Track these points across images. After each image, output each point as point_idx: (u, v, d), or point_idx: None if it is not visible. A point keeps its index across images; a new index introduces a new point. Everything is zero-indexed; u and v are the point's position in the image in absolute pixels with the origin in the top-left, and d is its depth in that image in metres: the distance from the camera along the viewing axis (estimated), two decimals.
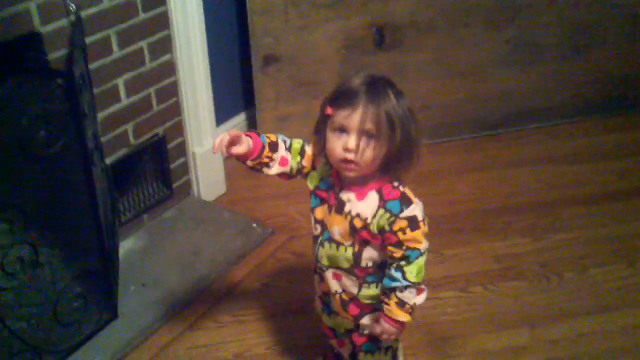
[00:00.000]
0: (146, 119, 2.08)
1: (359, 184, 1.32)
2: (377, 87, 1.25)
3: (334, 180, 1.36)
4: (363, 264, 1.38)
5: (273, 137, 1.42)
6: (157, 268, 2.01)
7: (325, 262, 1.43)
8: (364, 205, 1.31)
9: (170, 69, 2.11)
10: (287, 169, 1.42)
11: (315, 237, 1.43)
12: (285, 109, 2.57)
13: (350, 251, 1.37)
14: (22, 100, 1.49)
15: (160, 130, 2.15)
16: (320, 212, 1.40)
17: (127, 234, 2.12)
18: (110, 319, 1.81)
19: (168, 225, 2.19)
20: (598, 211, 2.32)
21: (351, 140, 1.24)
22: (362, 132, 1.24)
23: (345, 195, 1.34)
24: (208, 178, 2.36)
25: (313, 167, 1.42)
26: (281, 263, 2.11)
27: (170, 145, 2.21)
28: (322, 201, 1.39)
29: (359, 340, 1.51)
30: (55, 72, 1.61)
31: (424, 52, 2.60)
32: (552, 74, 2.75)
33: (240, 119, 2.72)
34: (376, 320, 1.42)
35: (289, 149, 1.42)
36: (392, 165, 1.28)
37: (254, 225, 2.19)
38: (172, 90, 2.15)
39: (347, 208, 1.33)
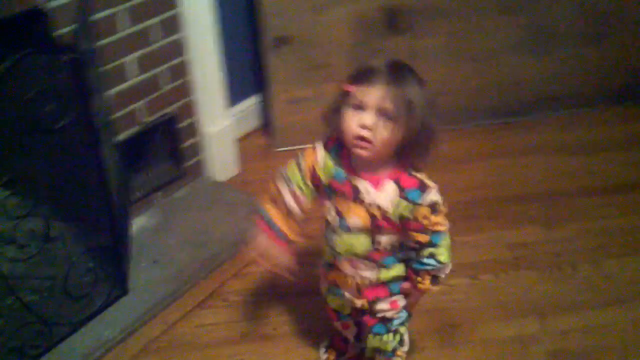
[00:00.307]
0: (157, 98, 2.07)
1: (373, 171, 1.31)
2: (400, 69, 1.25)
3: (346, 170, 1.35)
4: (381, 248, 1.38)
5: (274, 207, 1.46)
6: (168, 246, 2.00)
7: (341, 249, 1.42)
8: (383, 196, 1.31)
9: (181, 47, 2.10)
10: (304, 198, 1.42)
11: (331, 227, 1.42)
12: (297, 92, 2.56)
13: (368, 238, 1.37)
14: (28, 74, 1.48)
15: (171, 109, 2.14)
16: (336, 202, 1.38)
17: (140, 212, 2.12)
18: (120, 294, 1.82)
19: (180, 205, 2.19)
20: (613, 202, 2.29)
21: (368, 117, 1.23)
22: (381, 111, 1.23)
23: (361, 185, 1.32)
24: (220, 158, 2.36)
25: (315, 176, 1.40)
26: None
27: (182, 125, 2.20)
28: (338, 192, 1.37)
29: (370, 321, 1.52)
30: (61, 47, 1.60)
31: (437, 37, 2.57)
32: (568, 62, 2.72)
33: (253, 101, 2.71)
34: (405, 295, 1.46)
35: (288, 183, 1.43)
36: (408, 152, 1.27)
37: None
38: (184, 70, 2.13)
39: (365, 198, 1.32)
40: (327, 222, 1.43)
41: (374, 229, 1.35)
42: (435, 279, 1.41)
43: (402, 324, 1.54)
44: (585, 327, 1.83)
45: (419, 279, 1.40)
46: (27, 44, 1.49)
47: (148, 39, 1.98)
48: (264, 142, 2.66)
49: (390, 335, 1.54)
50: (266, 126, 2.70)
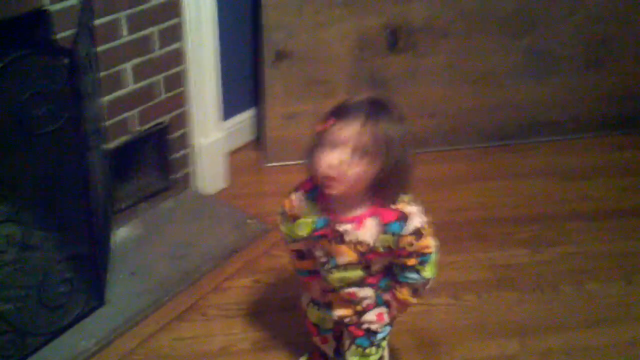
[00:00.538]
0: (152, 107, 2.08)
1: (352, 210, 1.33)
2: (379, 105, 1.25)
3: (325, 213, 1.36)
4: (373, 272, 1.41)
5: (299, 261, 1.53)
6: (148, 258, 2.00)
7: (336, 283, 1.44)
8: (366, 233, 1.33)
9: (179, 57, 2.11)
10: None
11: (322, 265, 1.44)
12: (294, 107, 2.56)
13: (359, 269, 1.40)
14: (25, 76, 1.49)
15: (165, 119, 2.14)
16: (323, 245, 1.41)
17: (123, 222, 2.12)
18: (97, 305, 1.81)
19: (164, 216, 2.19)
20: (602, 227, 2.28)
21: (336, 155, 1.23)
22: (356, 147, 1.22)
23: (342, 227, 1.34)
24: (209, 171, 2.36)
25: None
26: (274, 260, 2.09)
27: (174, 136, 2.20)
28: (322, 237, 1.39)
29: (356, 332, 1.52)
30: (60, 50, 1.61)
31: (437, 56, 2.57)
32: (567, 87, 2.71)
33: (249, 114, 2.71)
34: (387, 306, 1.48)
35: (288, 240, 1.49)
36: (384, 187, 1.28)
37: (249, 221, 2.18)
38: (180, 80, 2.14)
39: (347, 238, 1.34)
40: (318, 258, 1.45)
41: (363, 261, 1.38)
42: (415, 291, 1.42)
43: (384, 338, 1.54)
44: (567, 348, 1.81)
45: (399, 288, 1.42)
46: (25, 45, 1.50)
47: (146, 47, 1.99)
48: (256, 156, 2.66)
49: (373, 349, 1.53)
50: (259, 141, 2.70)
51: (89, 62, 1.66)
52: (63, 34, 1.70)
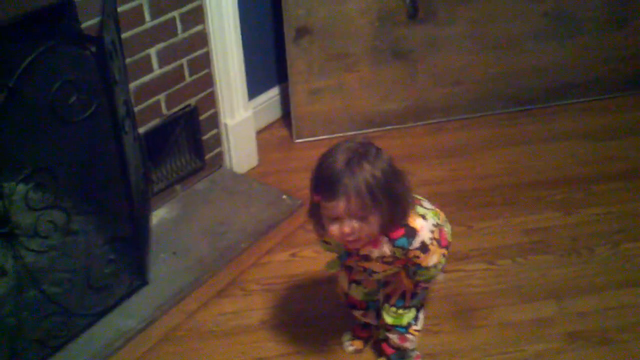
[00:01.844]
0: (178, 90, 2.11)
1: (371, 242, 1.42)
2: (352, 165, 1.28)
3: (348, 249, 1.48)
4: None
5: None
6: (188, 237, 2.04)
7: (380, 279, 1.57)
8: (381, 249, 1.42)
9: (202, 40, 2.13)
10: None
11: (362, 272, 1.57)
12: (318, 82, 2.57)
13: (397, 267, 1.50)
14: (54, 65, 1.52)
15: (192, 101, 2.17)
16: (355, 263, 1.54)
17: (160, 204, 2.16)
18: (140, 285, 1.86)
19: (200, 196, 2.23)
20: (632, 187, 2.27)
21: (345, 228, 1.31)
22: (352, 217, 1.30)
23: (364, 251, 1.45)
24: (240, 150, 2.39)
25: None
26: (310, 234, 2.11)
27: (203, 117, 2.23)
28: (352, 260, 1.53)
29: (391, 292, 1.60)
30: (87, 38, 1.64)
31: (458, 24, 2.56)
32: (590, 49, 2.69)
33: (274, 92, 2.73)
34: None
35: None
36: (389, 221, 1.35)
37: (284, 197, 2.21)
38: (204, 62, 2.16)
39: (372, 256, 1.45)
40: (357, 270, 1.59)
41: (394, 265, 1.49)
42: (414, 274, 1.50)
43: (419, 301, 1.59)
44: (603, 309, 1.83)
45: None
46: (53, 35, 1.52)
47: (170, 31, 2.01)
48: (284, 133, 2.68)
49: (407, 310, 1.58)
50: (286, 117, 2.72)
51: (115, 49, 1.69)
52: (88, 23, 1.73)
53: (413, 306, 1.58)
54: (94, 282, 1.74)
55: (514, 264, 1.99)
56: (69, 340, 1.71)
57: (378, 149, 1.33)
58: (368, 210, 1.29)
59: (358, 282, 1.61)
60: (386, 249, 1.42)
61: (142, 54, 1.96)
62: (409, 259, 1.44)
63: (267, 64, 2.65)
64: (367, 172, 1.28)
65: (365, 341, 1.77)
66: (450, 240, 1.53)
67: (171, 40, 2.03)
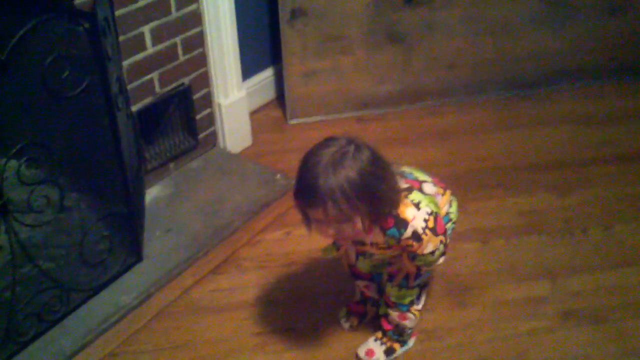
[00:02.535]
0: (172, 69, 2.09)
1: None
2: (327, 171, 1.27)
3: None
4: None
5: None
6: (182, 215, 2.04)
7: (378, 260, 1.60)
8: (375, 236, 1.42)
9: (196, 19, 2.11)
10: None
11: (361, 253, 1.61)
12: (312, 64, 2.57)
13: (395, 251, 1.51)
14: (47, 40, 1.51)
15: (186, 80, 2.16)
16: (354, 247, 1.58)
17: (154, 182, 2.15)
18: (135, 261, 1.85)
19: (193, 175, 2.22)
20: (627, 170, 2.29)
21: (329, 230, 1.34)
22: (334, 220, 1.30)
23: (358, 238, 1.45)
24: (234, 130, 2.38)
25: None
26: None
27: (196, 96, 2.22)
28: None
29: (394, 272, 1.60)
30: (80, 14, 1.63)
31: (454, 8, 2.56)
32: (586, 34, 2.70)
33: (268, 73, 2.72)
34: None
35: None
36: (375, 219, 1.35)
37: (278, 176, 2.21)
38: (198, 41, 2.15)
39: (366, 241, 1.46)
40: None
41: (392, 249, 1.49)
42: (413, 259, 1.50)
43: (423, 281, 1.60)
44: (596, 288, 1.84)
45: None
46: (46, 10, 1.51)
47: (163, 9, 2.00)
48: (278, 114, 2.68)
49: (408, 290, 1.59)
50: (280, 99, 2.72)
51: (108, 26, 1.67)
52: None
53: (416, 286, 1.58)
54: (88, 258, 1.73)
55: (508, 244, 2.00)
56: (65, 315, 1.71)
57: (358, 147, 1.30)
58: (346, 214, 1.28)
59: (365, 255, 1.61)
60: (379, 237, 1.42)
61: (136, 31, 1.95)
62: (404, 247, 1.44)
63: (262, 45, 2.65)
64: (342, 177, 1.26)
65: (361, 318, 1.77)
66: (456, 217, 1.55)
67: (165, 19, 2.02)
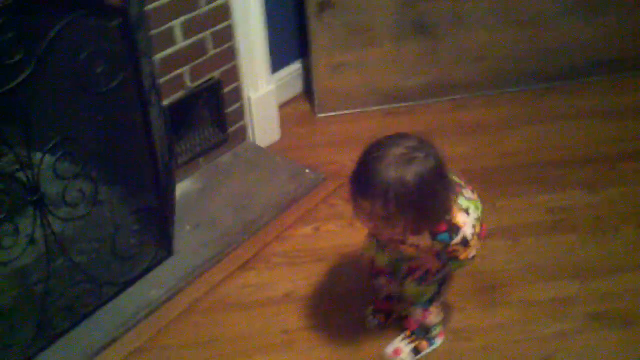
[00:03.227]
0: (202, 63, 2.10)
1: None
2: (389, 169, 1.26)
3: None
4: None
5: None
6: (211, 209, 2.06)
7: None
8: (419, 239, 1.42)
9: (225, 12, 2.12)
10: None
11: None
12: (340, 57, 2.56)
13: (429, 254, 1.51)
14: (81, 37, 1.53)
15: (216, 74, 2.17)
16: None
17: (184, 176, 2.17)
18: (165, 256, 1.88)
19: (223, 169, 2.23)
20: None
21: (370, 223, 1.36)
22: (378, 217, 1.31)
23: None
24: (263, 124, 2.38)
25: None
26: (332, 208, 2.13)
27: (226, 90, 2.23)
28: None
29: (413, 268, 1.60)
30: (113, 10, 1.64)
31: (483, 0, 2.53)
32: (618, 25, 2.65)
33: (296, 67, 2.72)
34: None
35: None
36: (424, 225, 1.35)
37: (307, 171, 2.21)
38: (228, 35, 2.16)
39: (407, 242, 1.45)
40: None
41: (426, 253, 1.50)
42: (438, 256, 1.51)
43: (442, 276, 1.58)
44: (626, 290, 1.82)
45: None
46: (79, 7, 1.53)
47: (193, 3, 2.00)
48: (306, 108, 2.68)
49: (427, 286, 1.58)
50: (308, 92, 2.72)
51: (139, 21, 1.68)
52: None
53: (434, 281, 1.58)
54: (119, 251, 1.76)
55: (537, 242, 1.99)
56: (96, 308, 1.74)
57: (427, 155, 1.29)
58: (392, 215, 1.29)
59: (383, 249, 1.62)
60: (426, 240, 1.41)
61: (166, 26, 1.96)
62: (448, 252, 1.44)
63: (290, 38, 2.64)
64: (401, 180, 1.26)
65: (388, 315, 1.77)
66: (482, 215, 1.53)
67: (194, 13, 2.02)
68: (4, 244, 1.50)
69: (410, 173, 1.26)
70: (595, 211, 2.08)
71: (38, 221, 1.55)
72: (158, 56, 1.96)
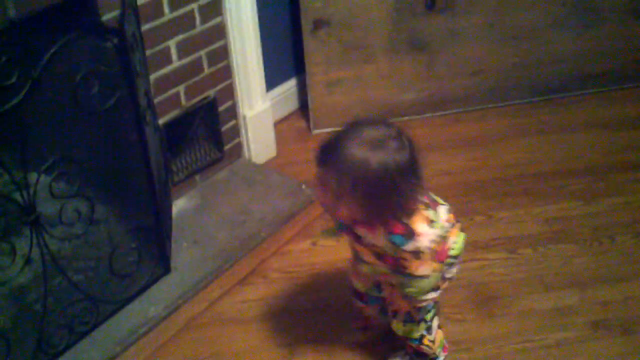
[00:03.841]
0: (197, 82, 2.11)
1: (366, 224, 1.35)
2: (358, 148, 1.22)
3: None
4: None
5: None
6: (208, 226, 2.05)
7: (367, 271, 1.53)
8: (374, 237, 1.35)
9: (220, 32, 2.13)
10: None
11: (355, 255, 1.54)
12: (335, 74, 2.58)
13: (385, 266, 1.43)
14: (76, 57, 1.54)
15: (211, 92, 2.18)
16: (350, 242, 1.49)
17: (180, 194, 2.17)
18: (163, 273, 1.87)
19: (219, 186, 2.24)
20: None
21: (321, 193, 1.30)
22: (329, 190, 1.26)
23: (359, 231, 1.38)
24: (258, 141, 2.39)
25: None
26: (330, 224, 2.12)
27: (222, 108, 2.24)
28: (347, 235, 1.47)
29: (395, 308, 1.55)
30: (108, 30, 1.65)
31: (476, 15, 2.56)
32: (610, 39, 2.67)
33: (291, 84, 2.74)
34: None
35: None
36: (371, 219, 1.30)
37: (303, 186, 2.22)
38: (223, 54, 2.17)
39: (364, 241, 1.39)
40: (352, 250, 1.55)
41: (383, 261, 1.41)
42: (405, 297, 1.45)
43: (428, 312, 1.53)
44: (626, 298, 1.82)
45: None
46: (75, 27, 1.54)
47: (188, 23, 2.02)
48: (302, 125, 2.69)
49: (414, 324, 1.54)
50: (304, 109, 2.73)
51: (135, 41, 1.70)
52: (109, 15, 1.74)
53: (421, 320, 1.53)
54: (117, 270, 1.76)
55: (535, 252, 1.99)
56: (95, 327, 1.73)
57: (402, 147, 1.24)
58: (344, 195, 1.23)
59: (358, 275, 1.60)
60: (380, 239, 1.34)
61: (162, 45, 1.97)
62: (398, 260, 1.37)
63: (285, 56, 2.66)
64: (363, 161, 1.20)
65: (366, 328, 1.77)
66: (459, 253, 1.46)
67: (190, 33, 2.04)
68: (1, 263, 1.50)
69: (376, 159, 1.20)
70: (592, 221, 2.09)
71: (34, 241, 1.55)
72: (154, 75, 1.97)
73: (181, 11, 1.98)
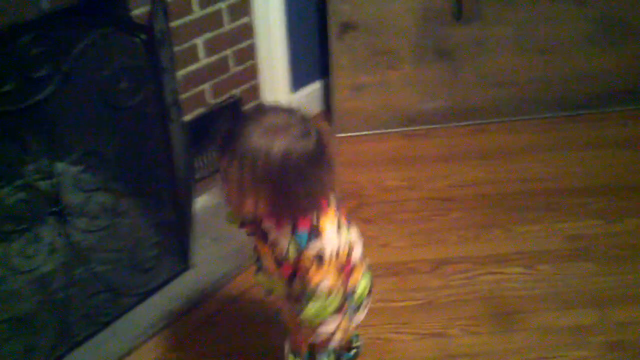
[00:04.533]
0: (223, 80, 2.13)
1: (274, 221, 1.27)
2: (259, 134, 1.13)
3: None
4: (295, 293, 1.32)
5: None
6: (228, 224, 2.06)
7: (261, 284, 1.45)
8: (280, 234, 1.27)
9: (248, 31, 2.14)
10: None
11: (255, 262, 1.45)
12: (361, 78, 2.58)
13: (282, 282, 1.34)
14: (105, 52, 1.55)
15: (237, 91, 2.19)
16: (255, 242, 1.39)
17: (202, 191, 2.18)
18: (183, 269, 1.89)
19: None
20: None
21: (225, 187, 1.21)
22: (229, 179, 1.18)
23: (265, 226, 1.29)
24: None
25: None
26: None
27: (246, 107, 2.25)
28: (254, 234, 1.36)
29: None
30: (138, 26, 1.67)
31: (504, 26, 2.55)
32: (638, 57, 2.65)
33: (316, 86, 2.74)
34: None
35: None
36: (281, 212, 1.21)
37: None
38: (249, 53, 2.18)
39: (269, 237, 1.29)
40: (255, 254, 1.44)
41: (282, 273, 1.32)
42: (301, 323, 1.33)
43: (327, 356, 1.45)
44: None
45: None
46: (105, 23, 1.55)
47: (217, 21, 2.03)
48: (325, 127, 2.69)
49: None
50: (327, 112, 2.73)
51: (163, 38, 1.71)
52: (138, 11, 1.75)
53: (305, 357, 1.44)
54: (139, 263, 1.78)
55: (554, 269, 1.98)
56: (115, 318, 1.75)
57: (307, 134, 1.16)
58: (244, 184, 1.15)
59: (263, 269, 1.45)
60: (286, 237, 1.25)
61: (189, 43, 1.99)
62: (298, 264, 1.25)
63: (311, 58, 2.67)
64: (264, 148, 1.12)
65: None
66: (364, 294, 1.39)
67: (218, 31, 2.05)
68: (26, 252, 1.52)
69: (277, 146, 1.12)
70: (613, 240, 2.07)
71: (59, 231, 1.57)
72: (181, 72, 1.98)
73: (210, 9, 2.00)
